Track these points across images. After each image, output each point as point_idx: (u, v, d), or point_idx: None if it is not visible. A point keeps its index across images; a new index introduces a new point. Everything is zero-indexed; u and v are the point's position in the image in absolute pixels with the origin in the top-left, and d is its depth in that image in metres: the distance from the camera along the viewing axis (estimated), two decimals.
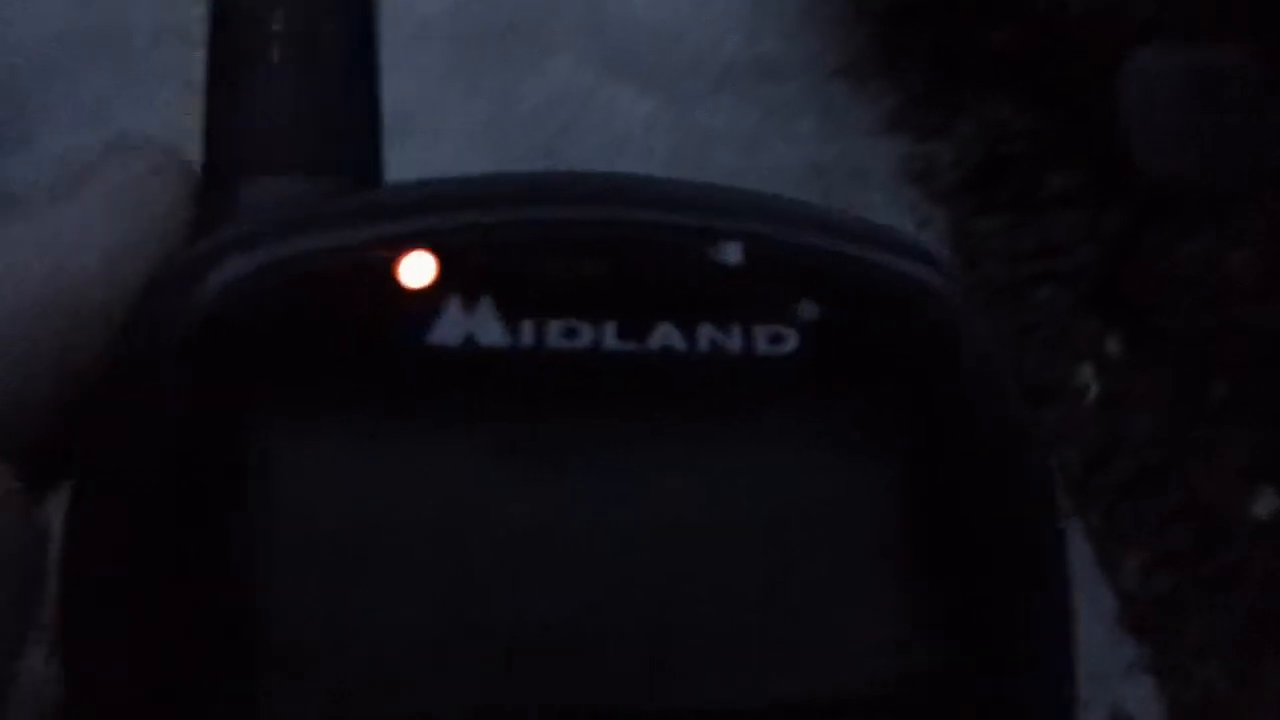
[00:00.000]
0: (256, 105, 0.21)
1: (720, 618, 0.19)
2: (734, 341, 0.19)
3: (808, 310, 0.19)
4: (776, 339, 0.19)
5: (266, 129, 0.21)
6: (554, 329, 0.19)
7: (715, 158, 1.40)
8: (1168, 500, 1.19)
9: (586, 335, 0.19)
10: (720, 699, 0.19)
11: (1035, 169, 1.42)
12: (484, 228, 0.19)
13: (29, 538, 0.18)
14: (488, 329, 0.18)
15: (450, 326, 0.18)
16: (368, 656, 0.18)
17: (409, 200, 0.19)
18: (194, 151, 0.21)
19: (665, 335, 0.19)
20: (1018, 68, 1.44)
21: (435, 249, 0.18)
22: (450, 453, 0.19)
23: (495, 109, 1.45)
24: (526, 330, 0.19)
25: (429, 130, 1.36)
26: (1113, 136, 1.35)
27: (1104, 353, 1.30)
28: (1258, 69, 1.27)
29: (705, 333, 0.19)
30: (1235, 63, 1.29)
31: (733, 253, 0.19)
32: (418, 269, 0.18)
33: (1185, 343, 1.29)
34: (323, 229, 0.19)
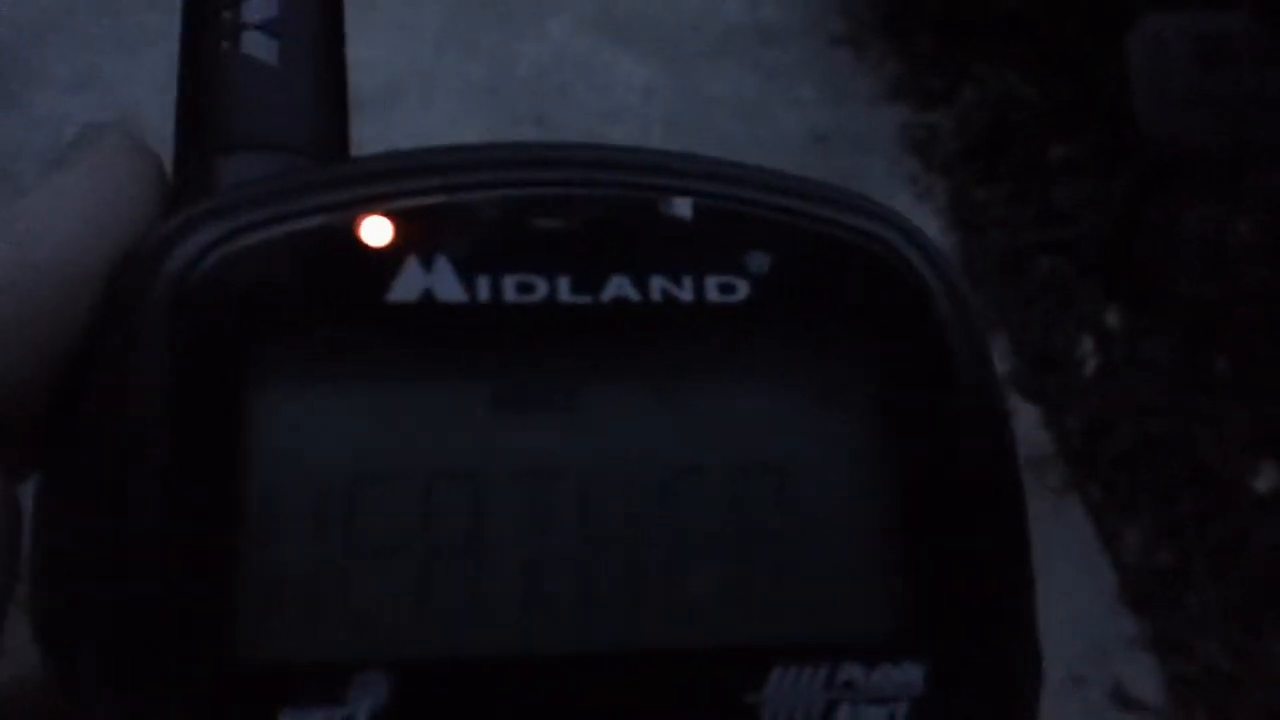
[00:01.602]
0: (226, 85, 0.22)
1: (689, 561, 0.20)
2: (685, 292, 0.20)
3: (757, 261, 0.20)
4: (727, 289, 0.20)
5: (236, 108, 0.22)
6: (509, 284, 0.20)
7: (714, 124, 1.38)
8: (1169, 472, 1.18)
9: (542, 289, 0.20)
10: (716, 632, 0.20)
11: (1039, 137, 1.40)
12: (439, 190, 0.20)
13: (7, 517, 0.18)
14: (445, 285, 0.19)
15: (409, 284, 0.19)
16: (349, 601, 0.19)
17: (367, 170, 0.20)
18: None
19: (619, 287, 0.20)
20: (1024, 33, 1.42)
21: (390, 212, 0.20)
22: (415, 402, 0.19)
23: (490, 72, 1.43)
24: (483, 285, 0.20)
25: (422, 93, 1.34)
26: (1118, 103, 1.34)
27: (1106, 322, 1.29)
28: (1265, 34, 1.25)
29: (657, 284, 0.20)
30: (1243, 28, 1.27)
31: (682, 207, 0.20)
32: (377, 230, 0.19)
33: (1190, 312, 1.28)
34: (287, 198, 0.20)
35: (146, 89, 1.28)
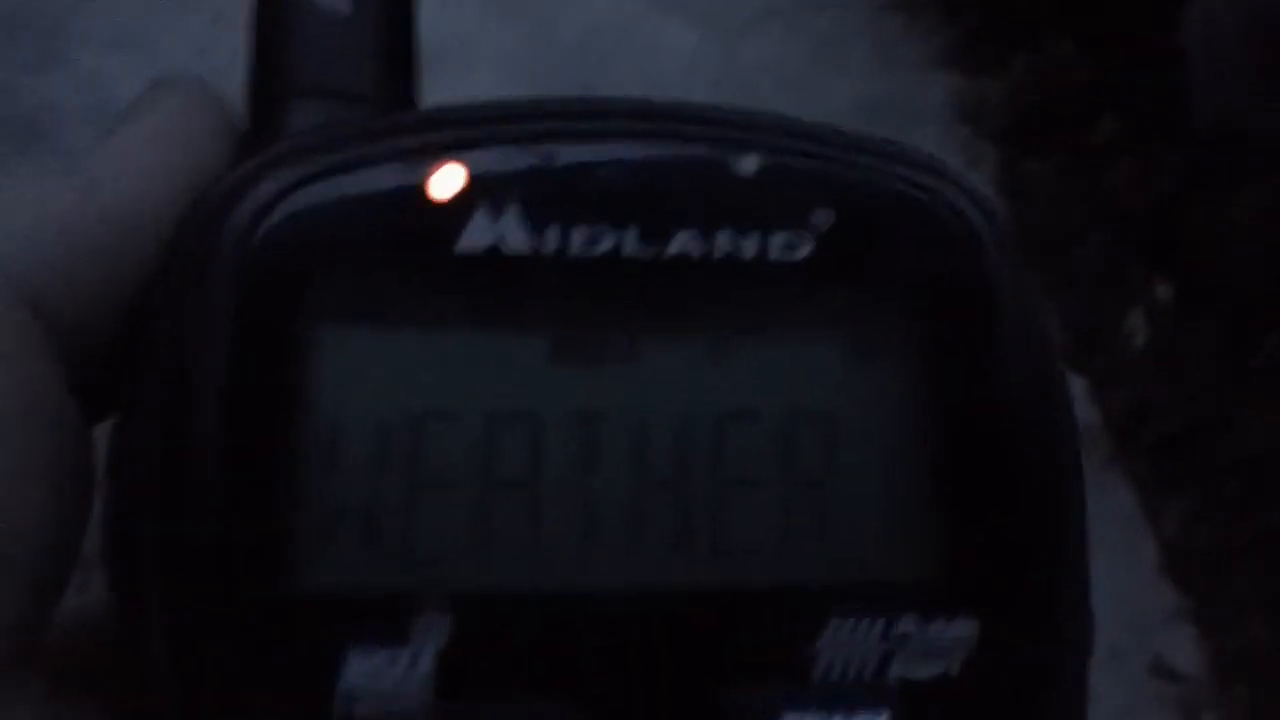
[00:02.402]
0: (298, 33, 0.22)
1: (753, 506, 0.20)
2: (750, 247, 0.20)
3: (822, 217, 0.20)
4: (791, 245, 0.20)
5: (308, 56, 0.22)
6: (577, 235, 0.20)
7: (760, 91, 1.37)
8: (1214, 452, 1.17)
9: (607, 242, 0.20)
10: (770, 578, 0.20)
11: (1090, 111, 1.38)
12: (509, 140, 0.20)
13: (84, 457, 0.19)
14: (513, 236, 0.20)
15: (477, 234, 0.19)
16: (409, 536, 0.19)
17: (441, 117, 0.21)
18: (227, 79, 0.22)
19: (684, 241, 0.20)
20: (1077, 5, 1.40)
21: (464, 160, 0.20)
22: (477, 348, 0.20)
23: (533, 39, 1.42)
24: (550, 237, 0.20)
25: (463, 60, 1.34)
26: (1171, 81, 1.32)
27: (1154, 301, 1.27)
28: None
29: (723, 239, 0.20)
30: None
31: (749, 163, 0.20)
32: (448, 179, 0.20)
33: (1237, 293, 1.26)
34: (356, 145, 0.20)
35: (187, 50, 1.28)
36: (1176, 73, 1.30)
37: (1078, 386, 1.20)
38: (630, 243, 0.20)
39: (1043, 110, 1.40)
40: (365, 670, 0.18)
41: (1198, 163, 1.28)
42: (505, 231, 0.20)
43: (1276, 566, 1.10)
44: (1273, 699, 1.03)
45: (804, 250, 0.20)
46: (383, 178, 0.20)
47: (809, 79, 1.40)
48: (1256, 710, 1.03)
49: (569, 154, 0.20)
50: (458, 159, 0.20)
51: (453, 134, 0.20)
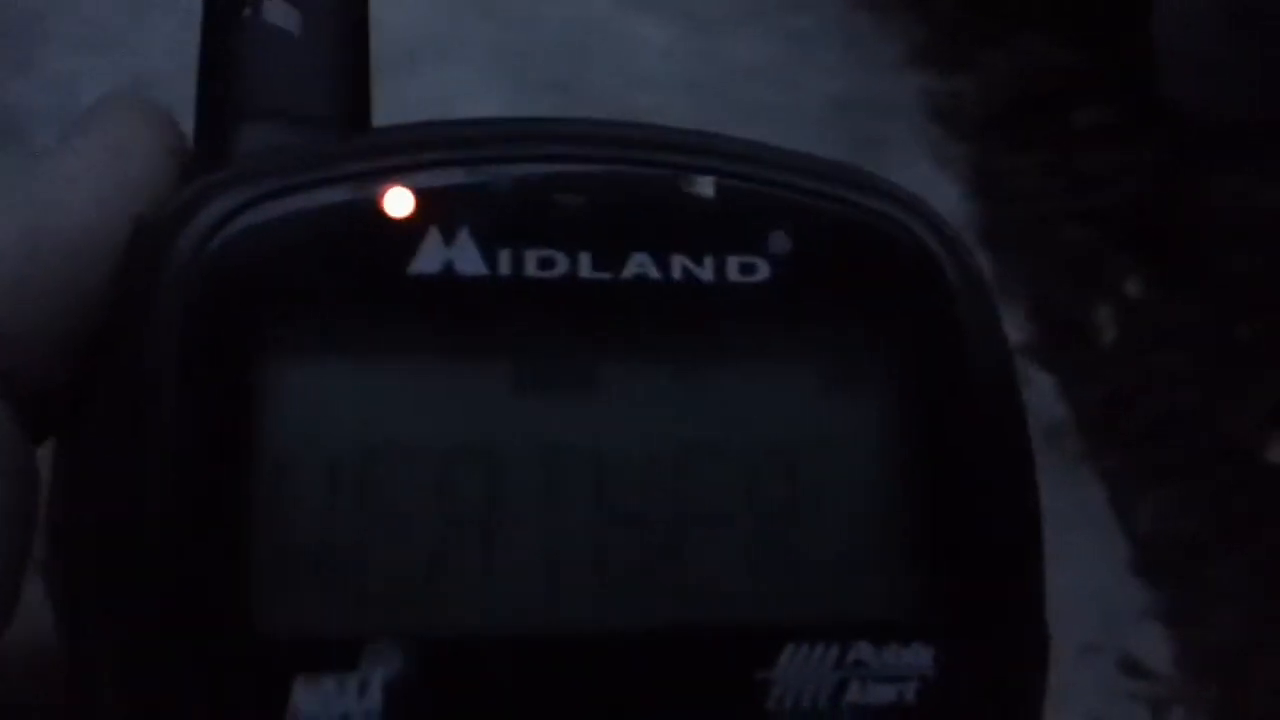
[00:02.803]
0: (247, 53, 0.21)
1: (714, 543, 0.20)
2: (706, 271, 0.20)
3: (778, 242, 0.20)
4: (748, 269, 0.20)
5: (257, 76, 0.21)
6: (531, 258, 0.20)
7: (735, 89, 1.37)
8: (1189, 443, 1.18)
9: (563, 264, 0.20)
10: (728, 612, 0.20)
11: (1065, 104, 1.39)
12: (462, 163, 0.20)
13: (25, 477, 0.19)
14: (467, 259, 0.19)
15: (430, 257, 0.19)
16: (361, 576, 0.19)
17: (390, 141, 0.20)
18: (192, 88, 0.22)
19: (640, 265, 0.20)
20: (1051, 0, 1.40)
21: (413, 183, 0.19)
22: (434, 377, 0.19)
23: (510, 36, 1.42)
24: (504, 260, 0.20)
25: (440, 58, 1.33)
26: (1145, 71, 1.32)
27: (1130, 292, 1.28)
28: None
29: (678, 262, 0.20)
30: None
31: (705, 186, 0.20)
32: (399, 202, 0.19)
33: (1215, 282, 1.27)
34: (307, 167, 0.20)
35: (160, 52, 1.27)
36: (1149, 64, 1.31)
37: (1050, 383, 1.20)
38: (585, 266, 0.20)
39: (1016, 105, 1.41)
40: (315, 697, 0.18)
41: (1172, 153, 1.29)
42: (458, 254, 0.19)
43: (1248, 561, 1.11)
44: (1242, 696, 1.04)
45: (761, 274, 0.20)
46: (332, 200, 0.19)
47: (784, 77, 1.40)
48: (1226, 707, 1.04)
49: (521, 175, 0.20)
50: (408, 181, 0.19)
51: (404, 157, 0.20)
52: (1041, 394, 1.18)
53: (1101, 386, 1.22)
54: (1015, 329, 1.21)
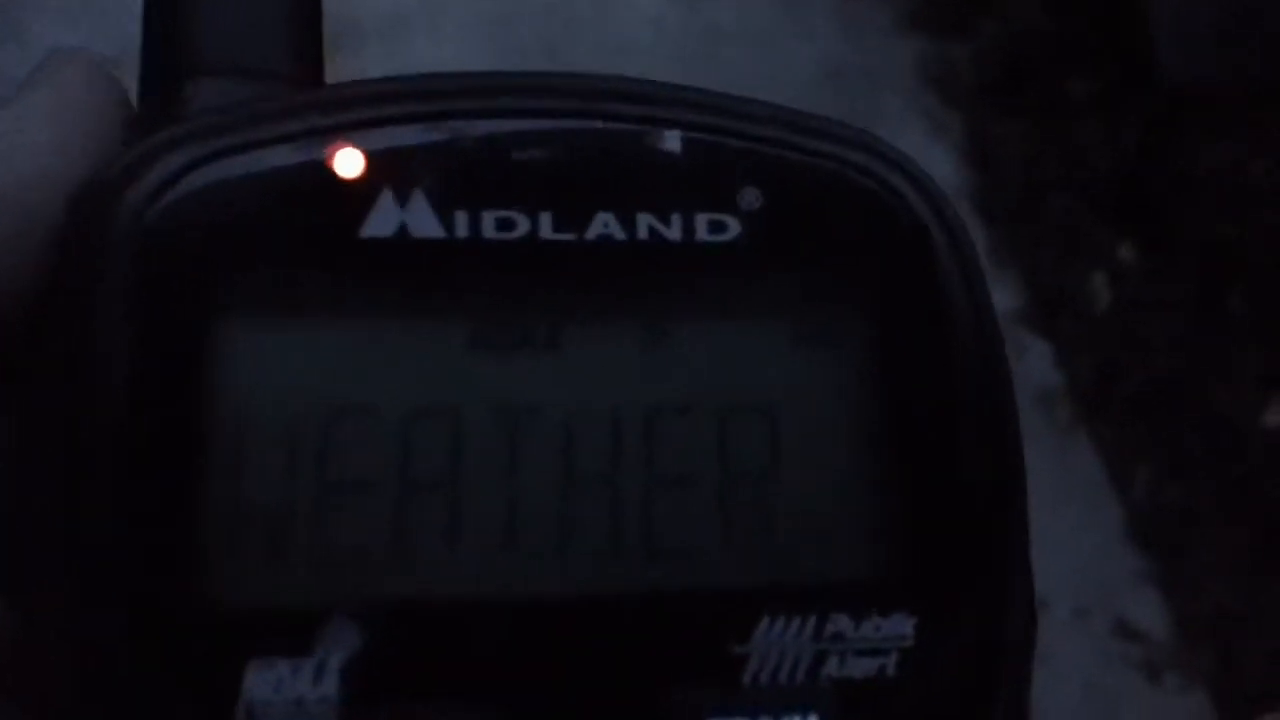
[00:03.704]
0: (194, 6, 0.21)
1: (684, 505, 0.19)
2: (674, 230, 0.19)
3: (749, 198, 0.20)
4: (718, 226, 0.19)
5: (204, 31, 0.21)
6: (489, 220, 0.19)
7: (725, 57, 1.36)
8: (1180, 412, 1.18)
9: (523, 226, 0.19)
10: (700, 579, 0.19)
11: (1057, 72, 1.38)
12: (416, 119, 0.19)
13: None
14: (421, 220, 0.19)
15: (383, 219, 0.19)
16: (319, 541, 0.18)
17: (342, 97, 0.19)
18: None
19: (604, 224, 0.19)
20: None
21: (364, 142, 0.19)
22: (390, 340, 0.19)
23: (498, 5, 1.40)
24: (460, 221, 0.19)
25: (428, 27, 1.32)
26: (1137, 40, 1.32)
27: (1120, 261, 1.27)
28: None
29: (644, 221, 0.19)
30: None
31: (671, 141, 0.19)
32: (350, 161, 0.19)
33: (1204, 252, 1.26)
34: (256, 125, 0.19)
35: (140, 21, 1.26)
36: (1141, 32, 1.30)
37: (1043, 351, 1.20)
38: (546, 226, 0.19)
39: (1008, 72, 1.40)
40: (268, 681, 0.17)
41: (1163, 121, 1.29)
42: (412, 217, 0.19)
43: (1240, 528, 1.11)
44: (1235, 661, 1.05)
45: (731, 232, 0.19)
46: (283, 159, 0.19)
47: (774, 44, 1.39)
48: (1218, 672, 1.04)
49: (478, 134, 0.19)
50: (359, 140, 0.19)
51: (357, 113, 0.19)
52: (1035, 362, 1.18)
53: (1094, 355, 1.22)
54: (1008, 297, 1.21)
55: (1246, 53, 1.28)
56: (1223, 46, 1.29)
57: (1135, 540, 1.11)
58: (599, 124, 0.20)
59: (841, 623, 0.19)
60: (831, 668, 0.19)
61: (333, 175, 0.19)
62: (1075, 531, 1.07)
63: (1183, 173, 1.30)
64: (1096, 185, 1.32)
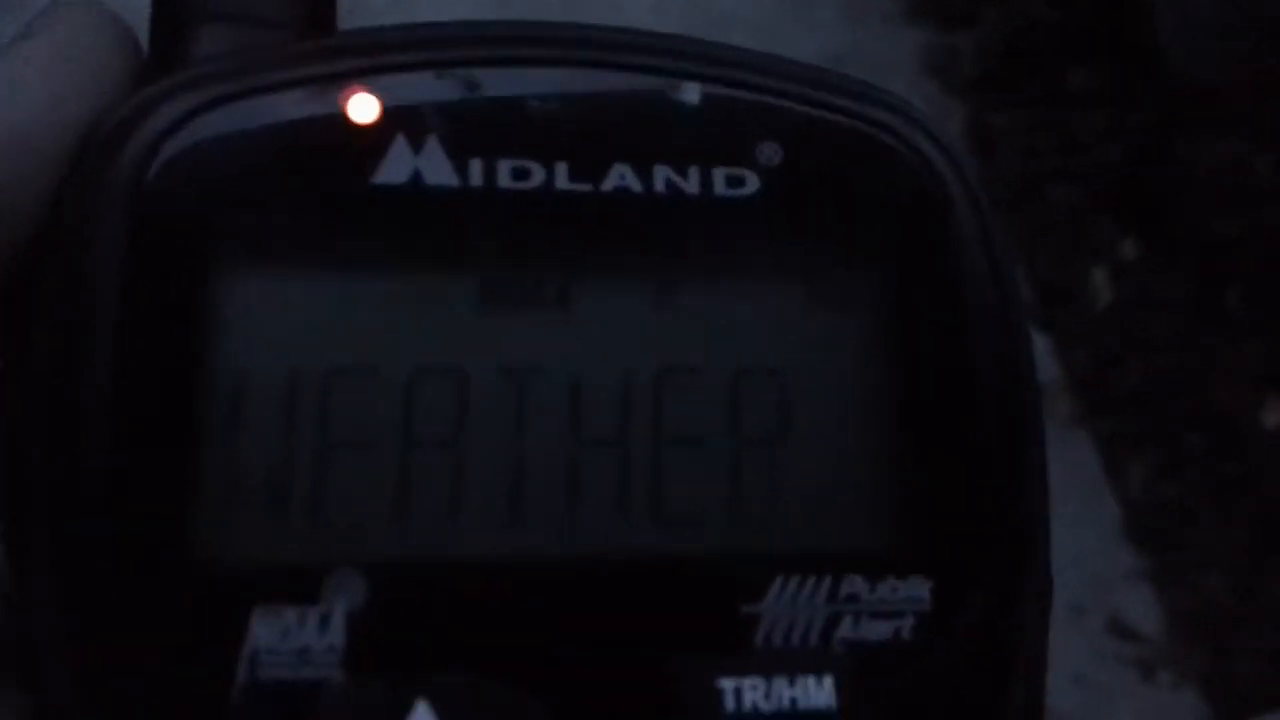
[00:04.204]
0: None
1: (694, 467, 0.19)
2: (691, 184, 0.19)
3: (768, 152, 0.19)
4: (736, 181, 0.19)
5: None
6: (504, 168, 0.18)
7: (727, 43, 1.35)
8: (1178, 407, 1.17)
9: (538, 175, 0.18)
10: (711, 541, 0.19)
11: (1059, 63, 1.37)
12: (431, 65, 0.19)
13: None
14: (435, 168, 0.18)
15: (396, 165, 0.18)
16: (320, 500, 0.18)
17: (354, 43, 0.19)
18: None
19: (620, 176, 0.19)
20: None
21: (377, 88, 0.18)
22: (398, 292, 0.18)
23: None
24: (475, 169, 0.18)
25: (434, 2, 1.31)
26: (1141, 32, 1.31)
27: (1120, 255, 1.27)
28: None
29: (662, 174, 0.19)
30: None
31: (690, 93, 0.19)
32: (364, 107, 0.18)
33: (1204, 247, 1.26)
34: (266, 70, 0.18)
35: None
36: (1145, 24, 1.29)
37: (1041, 345, 1.20)
38: (562, 176, 0.19)
39: (1012, 63, 1.39)
40: (274, 630, 0.17)
41: (1166, 113, 1.28)
42: (426, 164, 0.18)
43: (1236, 526, 1.11)
44: (1228, 659, 1.04)
45: (749, 187, 0.19)
46: (292, 105, 0.18)
47: (777, 31, 1.38)
48: (1212, 670, 1.04)
49: (494, 82, 0.19)
50: (373, 85, 0.18)
51: (371, 59, 0.19)
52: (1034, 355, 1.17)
53: (1093, 349, 1.21)
54: None
55: (1251, 48, 1.27)
56: (1227, 41, 1.28)
57: (1131, 537, 1.10)
58: (618, 75, 0.19)
59: (856, 584, 0.19)
60: (846, 630, 0.19)
61: (345, 121, 0.18)
62: (1071, 527, 1.06)
63: (1184, 167, 1.30)
64: (1098, 178, 1.31)
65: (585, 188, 0.19)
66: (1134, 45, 1.33)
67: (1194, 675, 1.04)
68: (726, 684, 0.18)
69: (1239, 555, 1.10)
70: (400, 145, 0.18)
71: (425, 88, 0.19)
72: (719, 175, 0.19)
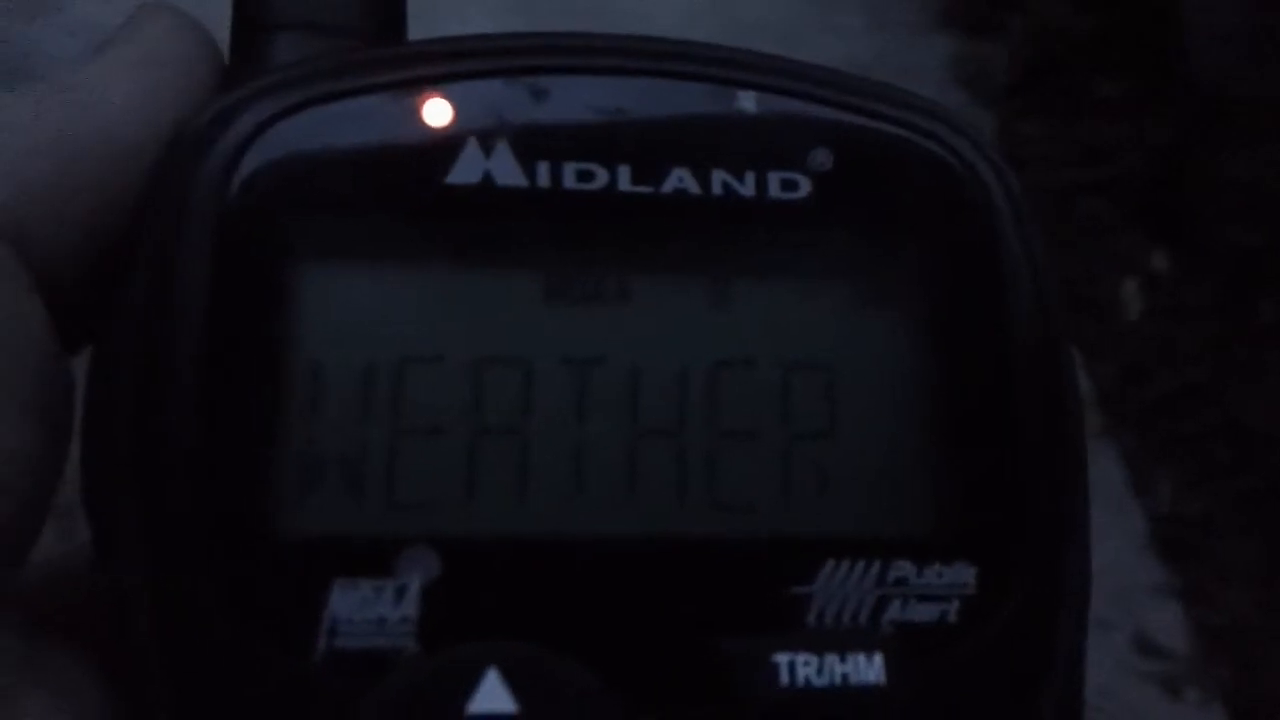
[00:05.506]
0: None
1: (748, 457, 0.20)
2: (747, 187, 0.20)
3: (820, 158, 0.20)
4: (789, 185, 0.20)
5: None
6: (569, 171, 0.19)
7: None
8: (1204, 421, 1.16)
9: (602, 177, 0.19)
10: (764, 526, 0.19)
11: (1087, 73, 1.37)
12: (502, 73, 0.20)
13: (63, 384, 0.18)
14: (505, 169, 0.19)
15: (469, 166, 0.19)
16: (394, 481, 0.19)
17: (427, 51, 0.20)
18: (219, 28, 0.21)
19: (680, 179, 0.20)
20: None
21: (454, 92, 0.19)
22: (468, 286, 0.19)
23: None
24: (542, 171, 0.19)
25: (455, 10, 1.32)
26: (1169, 42, 1.30)
27: (1148, 267, 1.26)
28: None
29: (719, 177, 0.20)
30: None
31: (747, 101, 0.20)
32: (437, 112, 0.19)
33: (1232, 259, 1.25)
34: (345, 75, 0.19)
35: (190, 3, 1.26)
36: (1174, 34, 1.29)
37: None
38: (624, 179, 0.19)
39: (1040, 72, 1.39)
40: (352, 601, 0.18)
41: (1194, 124, 1.27)
42: (496, 165, 0.19)
43: (1262, 540, 1.10)
44: (1254, 675, 1.03)
45: (802, 191, 0.20)
46: (370, 109, 0.19)
47: (803, 40, 1.38)
48: (1238, 687, 1.03)
49: (561, 89, 0.20)
50: (447, 91, 0.19)
51: (443, 67, 0.20)
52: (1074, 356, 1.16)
53: (1120, 361, 1.20)
54: None
55: (1276, 56, 1.26)
56: (1256, 50, 1.27)
57: (1156, 550, 1.09)
58: (678, 83, 0.20)
59: (904, 569, 0.20)
60: (894, 612, 0.20)
61: (420, 124, 0.19)
62: (1097, 540, 1.05)
63: (1212, 179, 1.29)
64: (1126, 189, 1.30)
65: (646, 190, 0.20)
66: (1163, 56, 1.32)
67: (1221, 692, 1.03)
68: (781, 658, 0.19)
69: (1266, 569, 1.09)
70: (472, 148, 0.19)
71: (496, 94, 0.20)
72: (773, 179, 0.20)
